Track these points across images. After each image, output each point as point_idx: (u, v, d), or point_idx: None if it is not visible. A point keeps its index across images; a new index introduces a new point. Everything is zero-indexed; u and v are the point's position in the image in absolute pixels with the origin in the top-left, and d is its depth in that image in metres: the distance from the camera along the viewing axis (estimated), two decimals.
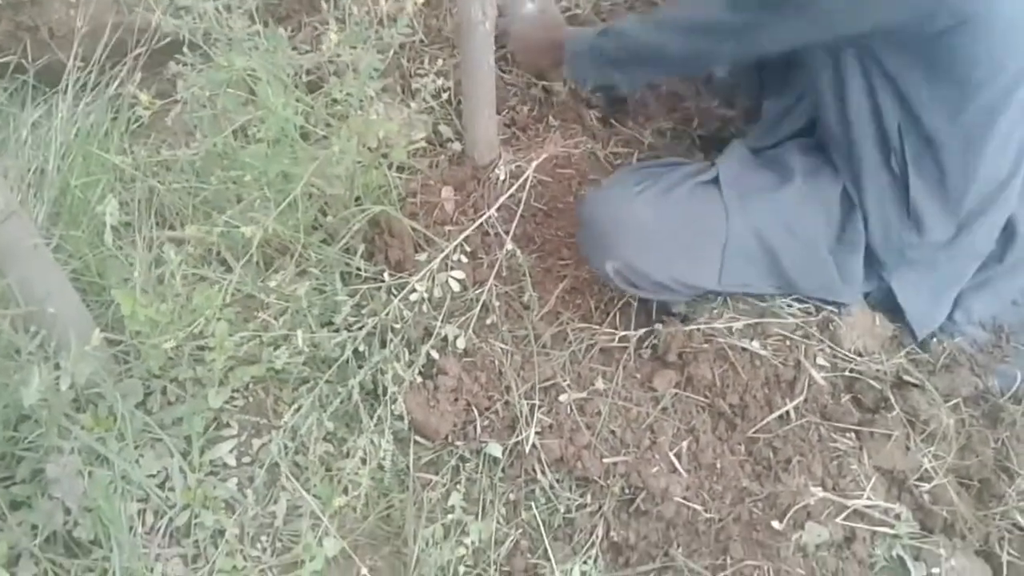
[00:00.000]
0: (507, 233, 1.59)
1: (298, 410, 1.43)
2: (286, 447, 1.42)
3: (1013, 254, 1.54)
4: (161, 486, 1.35)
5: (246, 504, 1.37)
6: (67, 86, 1.78)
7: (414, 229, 1.61)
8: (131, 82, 1.67)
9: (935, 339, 1.57)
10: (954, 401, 1.49)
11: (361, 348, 1.46)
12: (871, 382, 1.50)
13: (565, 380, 1.50)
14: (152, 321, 1.35)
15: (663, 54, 1.53)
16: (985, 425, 1.48)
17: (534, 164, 1.65)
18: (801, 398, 1.47)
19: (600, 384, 1.51)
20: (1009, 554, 1.36)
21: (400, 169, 1.74)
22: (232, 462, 1.41)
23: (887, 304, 1.56)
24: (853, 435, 1.45)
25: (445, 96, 1.70)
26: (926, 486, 1.40)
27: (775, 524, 1.35)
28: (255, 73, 1.47)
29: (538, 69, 1.88)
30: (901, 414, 1.45)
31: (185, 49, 1.51)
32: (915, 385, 1.50)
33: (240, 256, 1.49)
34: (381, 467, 1.39)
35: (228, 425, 1.44)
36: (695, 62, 1.63)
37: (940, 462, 1.42)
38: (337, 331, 1.48)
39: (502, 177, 1.67)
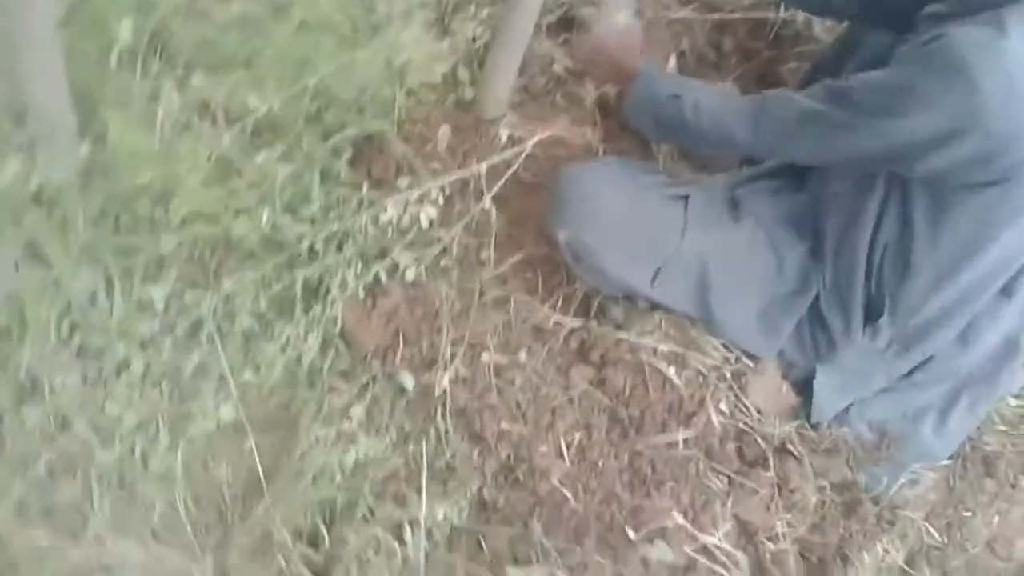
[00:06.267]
0: (489, 191, 1.64)
1: (239, 281, 1.47)
2: (216, 310, 1.46)
3: (921, 375, 1.64)
4: (87, 303, 1.38)
5: (161, 347, 1.41)
6: None
7: (404, 154, 1.65)
8: None
9: (826, 422, 1.68)
10: (823, 482, 1.61)
11: (318, 247, 1.51)
12: (758, 440, 1.60)
13: (493, 341, 1.58)
14: (133, 152, 1.37)
15: (728, 142, 1.51)
16: (841, 513, 1.60)
17: (536, 138, 1.70)
18: (694, 432, 1.57)
19: (523, 356, 1.58)
20: None
21: (409, 93, 1.78)
22: (160, 306, 1.44)
23: (798, 374, 1.67)
24: (727, 480, 1.55)
25: (477, 44, 1.75)
26: (771, 547, 1.51)
27: (630, 532, 1.44)
28: None
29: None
30: (774, 476, 1.56)
31: None
32: (794, 457, 1.62)
33: (235, 121, 1.52)
34: (299, 361, 1.45)
35: (168, 270, 1.47)
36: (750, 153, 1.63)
37: (791, 530, 1.53)
38: (300, 222, 1.52)
39: (503, 139, 1.72)
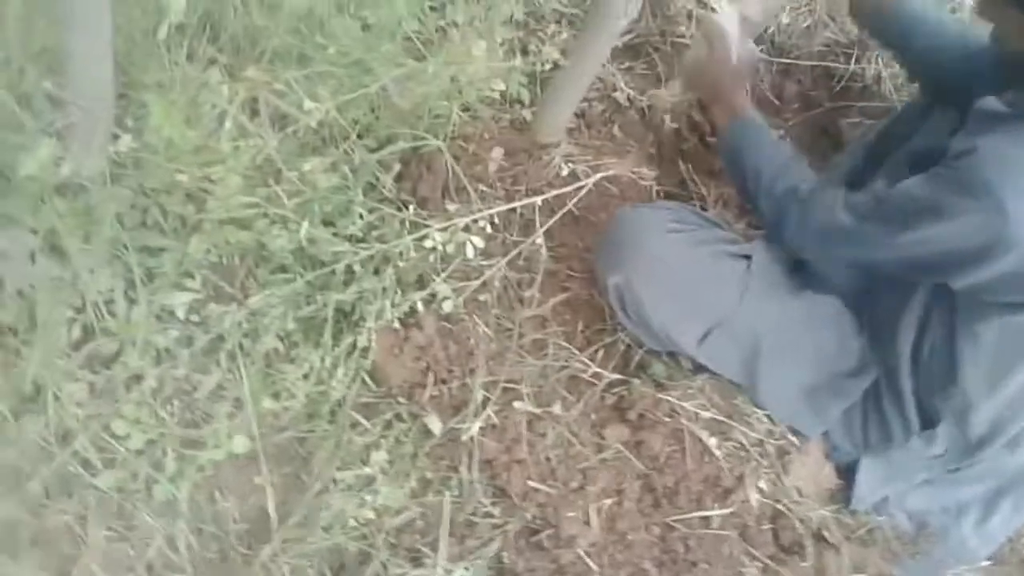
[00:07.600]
0: (542, 226, 1.54)
1: (268, 296, 1.36)
2: (240, 325, 1.35)
3: (966, 471, 1.56)
4: (104, 306, 1.26)
5: (177, 361, 1.30)
6: None
7: (453, 174, 1.55)
8: None
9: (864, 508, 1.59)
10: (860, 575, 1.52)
11: (355, 267, 1.40)
12: (796, 523, 1.51)
13: (527, 389, 1.47)
14: (171, 143, 1.26)
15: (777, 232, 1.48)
16: None
17: (599, 175, 1.60)
18: (730, 510, 1.47)
19: (557, 409, 1.48)
20: None
21: (464, 108, 1.67)
22: (181, 315, 1.33)
23: (840, 457, 1.57)
24: (761, 566, 1.45)
25: (546, 66, 1.64)
26: None
27: None
28: None
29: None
30: (811, 568, 1.46)
31: None
32: (831, 545, 1.52)
33: (282, 124, 1.40)
34: (323, 392, 1.33)
35: (192, 277, 1.36)
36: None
37: None
38: (339, 239, 1.41)
39: (563, 173, 1.61)
